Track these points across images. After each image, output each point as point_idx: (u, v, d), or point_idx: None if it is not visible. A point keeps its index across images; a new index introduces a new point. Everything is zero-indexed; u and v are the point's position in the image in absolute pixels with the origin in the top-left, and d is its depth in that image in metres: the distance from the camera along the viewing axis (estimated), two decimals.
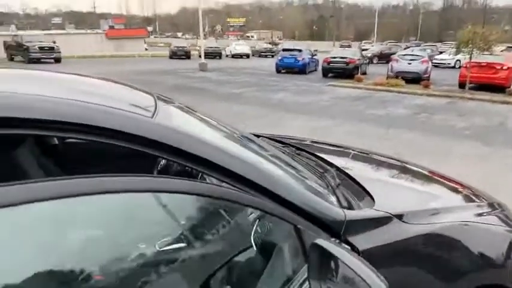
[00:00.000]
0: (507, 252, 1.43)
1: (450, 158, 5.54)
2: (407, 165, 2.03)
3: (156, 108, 0.99)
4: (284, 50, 20.05)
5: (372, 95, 12.22)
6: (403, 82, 13.79)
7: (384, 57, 27.73)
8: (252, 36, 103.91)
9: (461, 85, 13.21)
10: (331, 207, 1.10)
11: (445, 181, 1.87)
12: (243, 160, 1.00)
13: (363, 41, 51.33)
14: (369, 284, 0.79)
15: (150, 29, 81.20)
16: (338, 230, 1.07)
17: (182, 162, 0.89)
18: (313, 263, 0.92)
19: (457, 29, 12.96)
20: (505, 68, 12.75)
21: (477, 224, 1.46)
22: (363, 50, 28.94)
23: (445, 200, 1.65)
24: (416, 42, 47.51)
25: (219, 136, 1.21)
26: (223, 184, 0.93)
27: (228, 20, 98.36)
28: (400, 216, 1.23)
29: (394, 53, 27.23)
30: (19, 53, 22.96)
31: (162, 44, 62.34)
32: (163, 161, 1.50)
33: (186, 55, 29.77)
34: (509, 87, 12.44)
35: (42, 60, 22.12)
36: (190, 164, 0.89)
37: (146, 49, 47.19)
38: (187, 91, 11.96)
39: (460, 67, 21.34)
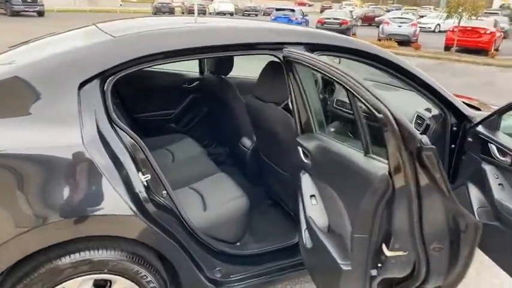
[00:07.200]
0: None
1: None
2: None
3: None
4: (277, 9, 20.47)
5: None
6: (395, 44, 14.68)
7: (368, 20, 28.48)
8: None
9: (447, 48, 14.31)
10: None
11: None
12: None
13: (343, 2, 51.29)
14: None
15: None
16: None
17: None
18: None
19: None
20: (488, 32, 13.88)
21: None
22: None
23: None
24: (396, 5, 48.14)
25: None
26: None
27: None
28: None
29: (377, 16, 28.05)
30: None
31: (135, 0, 59.45)
32: None
33: (170, 11, 29.18)
34: (490, 50, 13.66)
35: (23, 13, 21.16)
36: None
37: (121, 4, 45.16)
38: None
39: (439, 31, 22.63)
